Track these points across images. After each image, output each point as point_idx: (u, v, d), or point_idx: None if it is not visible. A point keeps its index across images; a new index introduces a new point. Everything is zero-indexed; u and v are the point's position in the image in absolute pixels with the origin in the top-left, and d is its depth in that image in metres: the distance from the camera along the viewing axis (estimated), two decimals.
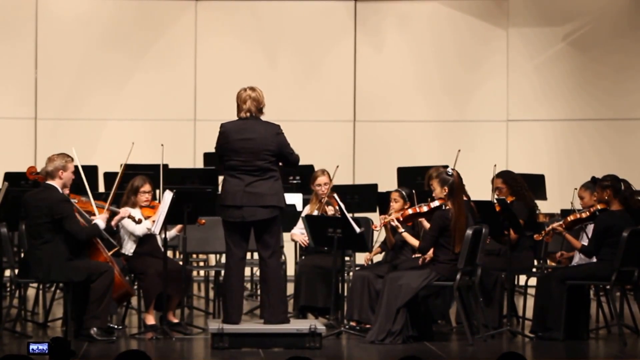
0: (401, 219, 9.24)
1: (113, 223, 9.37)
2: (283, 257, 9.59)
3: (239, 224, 8.58)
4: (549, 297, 9.12)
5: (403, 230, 9.26)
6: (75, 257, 8.88)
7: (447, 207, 8.96)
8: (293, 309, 9.92)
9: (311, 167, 11.04)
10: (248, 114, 8.61)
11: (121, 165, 9.88)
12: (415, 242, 9.19)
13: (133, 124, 14.14)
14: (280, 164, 8.69)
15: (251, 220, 8.55)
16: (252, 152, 8.52)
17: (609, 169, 10.37)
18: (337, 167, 10.12)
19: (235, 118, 8.68)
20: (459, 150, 10.14)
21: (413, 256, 9.44)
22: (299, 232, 10.05)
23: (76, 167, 9.04)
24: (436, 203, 9.04)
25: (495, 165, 9.97)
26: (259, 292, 10.99)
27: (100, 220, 9.02)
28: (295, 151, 8.69)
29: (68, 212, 8.84)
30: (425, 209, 9.12)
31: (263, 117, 8.69)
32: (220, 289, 9.01)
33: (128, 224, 9.44)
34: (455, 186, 8.97)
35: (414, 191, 9.64)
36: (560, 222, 9.45)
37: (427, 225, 9.24)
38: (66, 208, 8.84)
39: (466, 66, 14.26)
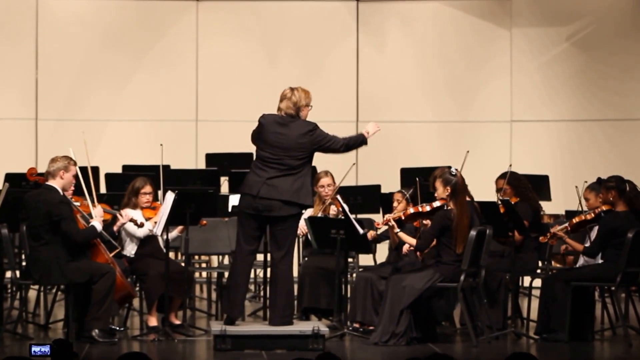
0: (403, 219, 9.20)
1: (115, 228, 9.33)
2: None
3: (254, 217, 8.52)
4: (554, 299, 9.08)
5: (398, 230, 9.21)
6: (77, 259, 8.83)
7: (450, 208, 8.92)
8: (296, 311, 9.87)
9: (314, 168, 10.96)
10: (281, 112, 8.65)
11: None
12: (412, 241, 9.14)
13: (134, 125, 14.11)
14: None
15: (267, 216, 8.49)
16: (282, 147, 8.54)
17: (614, 169, 10.32)
18: (353, 164, 10.13)
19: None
20: (468, 152, 10.07)
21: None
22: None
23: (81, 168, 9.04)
24: (438, 203, 9.01)
25: (510, 165, 9.92)
26: (261, 293, 10.95)
27: (97, 222, 8.94)
28: (335, 139, 8.70)
29: (66, 214, 8.78)
30: (427, 208, 9.09)
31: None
32: (225, 283, 8.95)
33: (129, 226, 9.40)
34: (458, 187, 8.94)
35: (417, 179, 9.59)
36: (565, 225, 9.41)
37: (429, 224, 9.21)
38: (64, 209, 8.79)
39: (469, 67, 14.21)
